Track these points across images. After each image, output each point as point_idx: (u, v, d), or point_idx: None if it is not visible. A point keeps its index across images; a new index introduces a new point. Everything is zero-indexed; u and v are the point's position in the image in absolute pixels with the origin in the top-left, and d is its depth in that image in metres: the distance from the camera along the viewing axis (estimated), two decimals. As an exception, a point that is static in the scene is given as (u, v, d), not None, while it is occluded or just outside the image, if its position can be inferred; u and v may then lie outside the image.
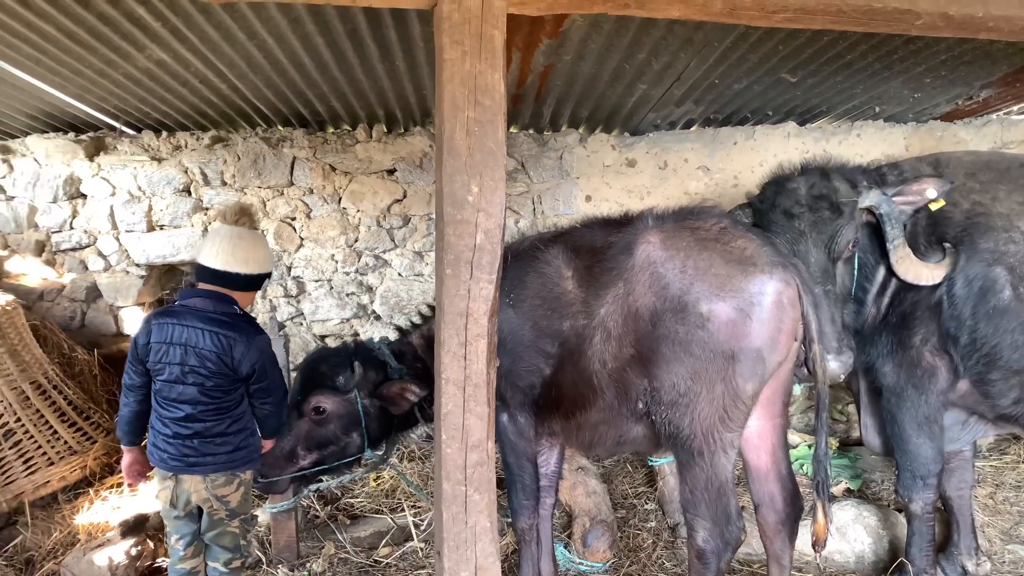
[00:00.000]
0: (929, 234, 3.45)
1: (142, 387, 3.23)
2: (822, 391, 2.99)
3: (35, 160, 5.98)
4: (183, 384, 3.13)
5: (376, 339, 4.04)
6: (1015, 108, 5.94)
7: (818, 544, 3.07)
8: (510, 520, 3.65)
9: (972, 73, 4.87)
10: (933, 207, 3.38)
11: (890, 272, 3.42)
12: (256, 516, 3.62)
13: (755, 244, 2.91)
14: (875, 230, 3.49)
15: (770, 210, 3.45)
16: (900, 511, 4.23)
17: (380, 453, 4.02)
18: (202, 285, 3.26)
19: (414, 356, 3.91)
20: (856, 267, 3.47)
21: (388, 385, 3.74)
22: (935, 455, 3.50)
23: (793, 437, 5.58)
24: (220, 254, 3.22)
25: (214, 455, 3.19)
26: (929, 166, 3.61)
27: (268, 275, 3.43)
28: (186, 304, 3.22)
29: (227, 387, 3.19)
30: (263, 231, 6.09)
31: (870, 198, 3.38)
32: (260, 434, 3.43)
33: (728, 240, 2.91)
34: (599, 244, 3.17)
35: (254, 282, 3.34)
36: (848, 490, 5.02)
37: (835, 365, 3.17)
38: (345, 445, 3.81)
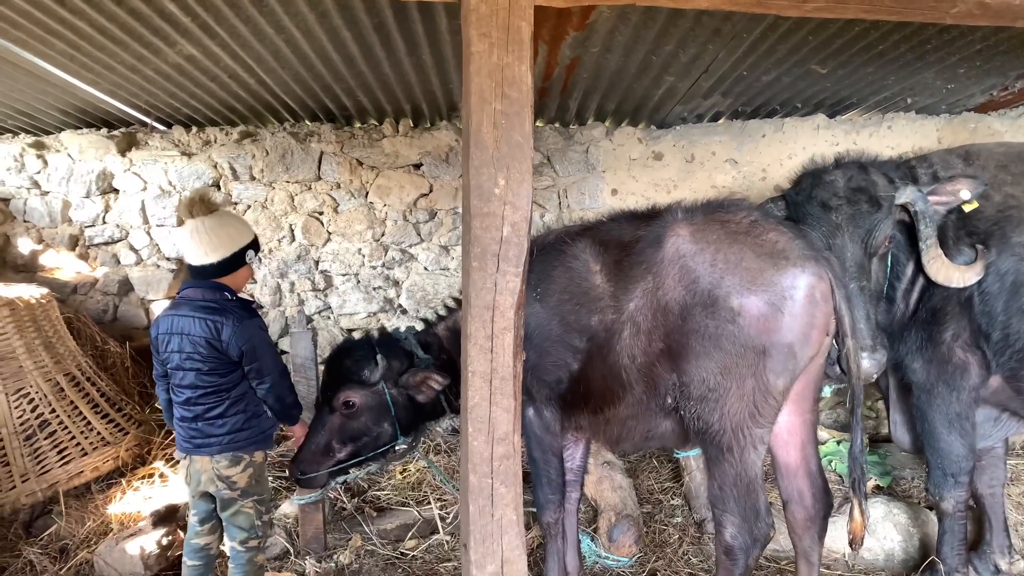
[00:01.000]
0: (959, 228, 3.38)
1: (164, 376, 3.41)
2: (857, 387, 2.94)
3: (69, 156, 6.08)
4: (183, 370, 3.27)
5: (403, 329, 4.05)
6: (1052, 99, 5.80)
7: (855, 542, 3.02)
8: (536, 514, 3.66)
9: (1008, 63, 4.76)
10: (967, 208, 3.30)
11: (920, 269, 3.36)
12: (274, 498, 3.67)
13: (787, 237, 2.87)
14: (906, 227, 3.43)
15: (806, 202, 3.38)
16: (931, 509, 4.16)
17: (410, 441, 4.04)
18: (192, 279, 3.40)
19: (439, 347, 3.91)
20: (889, 264, 3.41)
21: (412, 373, 3.75)
22: (967, 453, 3.43)
23: (822, 433, 5.51)
24: (190, 251, 3.32)
25: (216, 436, 3.30)
26: (959, 158, 3.53)
27: (246, 248, 3.39)
28: (183, 295, 3.36)
29: (222, 371, 3.28)
30: (291, 224, 6.15)
31: (907, 194, 3.31)
32: (276, 419, 3.52)
33: (759, 233, 2.87)
34: (627, 238, 3.15)
35: (232, 262, 3.35)
36: (878, 487, 4.96)
37: (869, 364, 3.11)
38: (377, 435, 3.83)
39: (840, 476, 5.04)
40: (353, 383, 3.73)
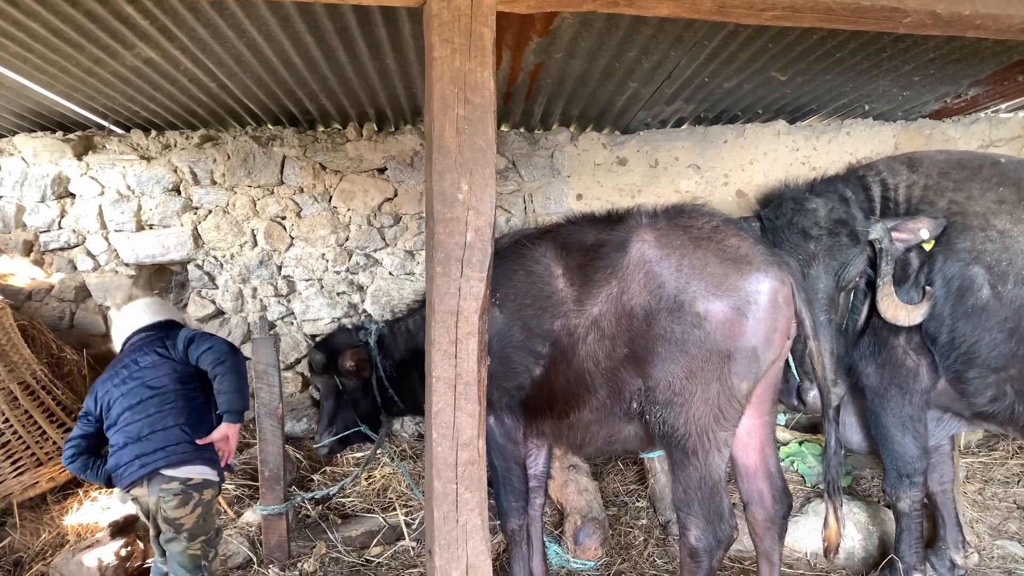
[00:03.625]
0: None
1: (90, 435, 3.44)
2: (826, 390, 2.99)
3: (23, 159, 5.93)
4: (124, 397, 3.27)
5: (378, 321, 4.42)
6: (1003, 106, 5.97)
7: (831, 550, 3.06)
8: (500, 520, 3.65)
9: (960, 71, 4.90)
10: (926, 247, 3.35)
11: (873, 290, 3.42)
12: (220, 531, 3.59)
13: (748, 243, 2.91)
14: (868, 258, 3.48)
15: (786, 227, 3.38)
16: (889, 507, 4.25)
17: (375, 431, 4.42)
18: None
19: (396, 343, 4.19)
20: (852, 298, 3.46)
21: (342, 358, 4.11)
22: (920, 454, 3.52)
23: (784, 434, 5.60)
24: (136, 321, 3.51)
25: (159, 449, 3.18)
26: (903, 165, 3.62)
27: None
28: (127, 351, 3.45)
29: (168, 374, 3.31)
30: (253, 229, 6.07)
31: (876, 231, 3.34)
32: (229, 402, 3.28)
33: (722, 239, 2.91)
34: (590, 242, 3.16)
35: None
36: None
37: (831, 398, 3.14)
38: (341, 421, 4.29)
39: (802, 476, 5.12)
40: (313, 372, 4.36)
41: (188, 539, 3.22)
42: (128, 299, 3.56)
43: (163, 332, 3.43)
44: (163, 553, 3.33)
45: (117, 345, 3.54)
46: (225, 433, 3.27)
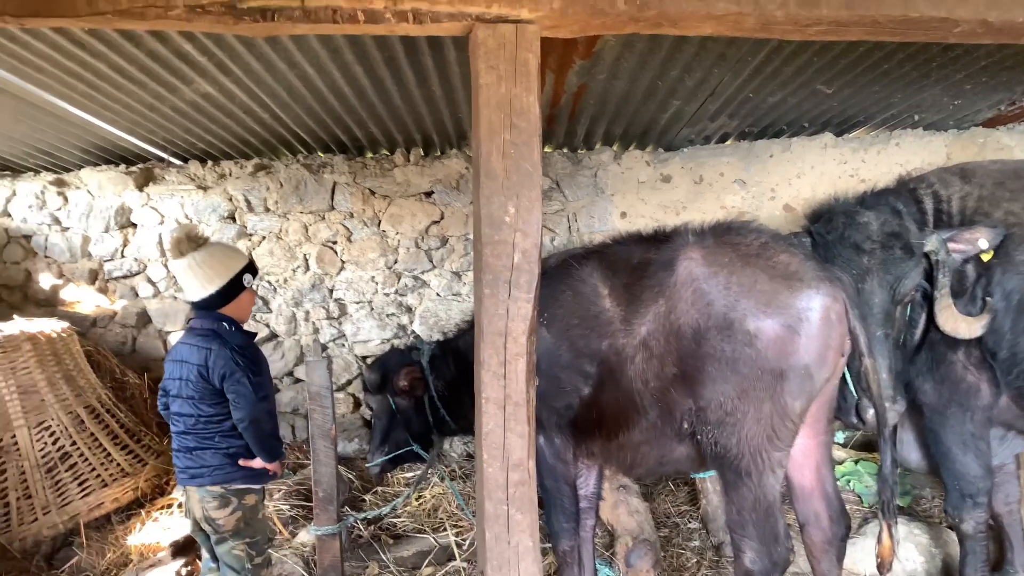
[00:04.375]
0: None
1: (165, 408, 3.45)
2: (881, 408, 2.92)
3: (88, 192, 6.21)
4: (180, 398, 3.30)
5: (424, 343, 4.44)
6: (1061, 112, 5.80)
7: (883, 567, 2.98)
8: (551, 542, 3.65)
9: (1014, 78, 4.77)
10: (984, 258, 3.26)
11: (930, 302, 3.34)
12: (271, 540, 3.62)
13: (799, 259, 2.87)
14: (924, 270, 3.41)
15: (838, 242, 3.32)
16: (952, 528, 4.11)
17: (426, 451, 4.45)
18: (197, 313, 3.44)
19: (446, 363, 4.22)
20: (909, 311, 3.39)
21: (395, 378, 4.16)
22: (984, 473, 3.39)
23: (839, 453, 5.47)
24: (188, 287, 3.33)
25: (208, 467, 3.27)
26: (955, 176, 3.53)
27: (241, 273, 3.36)
28: (190, 326, 3.43)
29: (212, 400, 3.27)
30: (305, 254, 6.22)
31: (932, 243, 3.26)
32: (253, 449, 3.35)
33: (771, 255, 2.87)
34: (637, 261, 3.15)
35: (229, 290, 3.33)
36: (898, 507, 4.90)
37: (890, 415, 3.08)
38: (394, 440, 4.32)
39: (859, 496, 5.00)
40: (367, 391, 4.42)
41: (233, 539, 3.34)
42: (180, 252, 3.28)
43: (208, 338, 3.30)
44: (213, 557, 3.45)
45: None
46: (263, 465, 3.38)
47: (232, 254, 3.45)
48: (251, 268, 3.45)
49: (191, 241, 3.28)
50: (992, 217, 3.30)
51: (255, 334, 3.58)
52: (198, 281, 3.28)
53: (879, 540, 2.96)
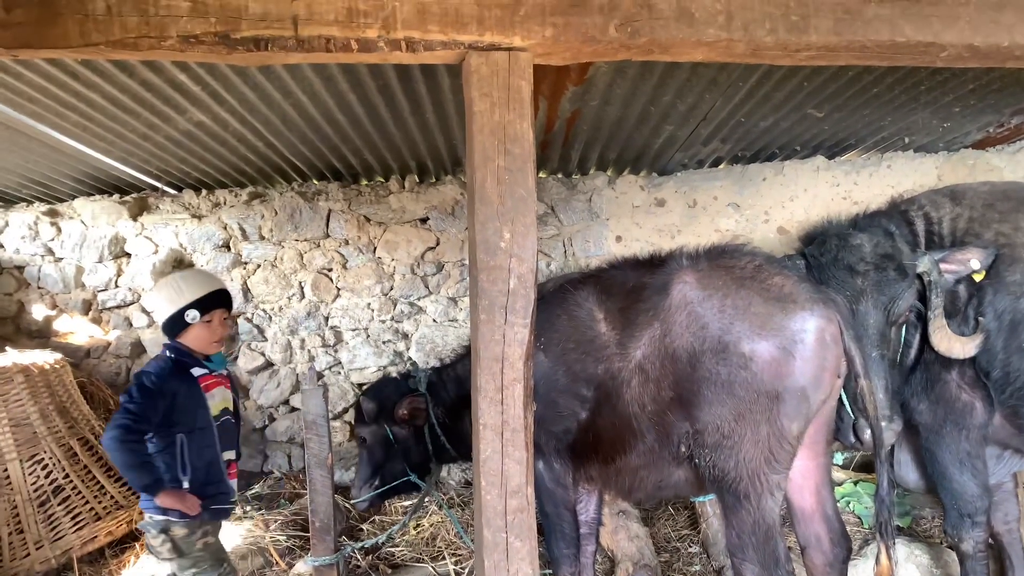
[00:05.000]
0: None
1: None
2: (877, 428, 2.92)
3: (82, 222, 6.20)
4: None
5: (426, 368, 4.41)
6: (1049, 133, 5.86)
7: None
8: (551, 569, 3.61)
9: (1002, 100, 4.83)
10: (976, 279, 3.28)
11: (924, 323, 3.35)
12: (229, 568, 3.53)
13: (792, 281, 2.89)
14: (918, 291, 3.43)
15: (832, 264, 3.35)
16: (952, 548, 4.09)
17: (423, 480, 4.36)
18: None
19: (445, 389, 4.17)
20: (904, 332, 3.40)
21: (397, 406, 4.09)
22: (981, 492, 3.39)
23: (839, 474, 5.45)
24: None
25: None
26: (946, 198, 3.56)
27: (184, 309, 3.36)
28: None
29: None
30: (300, 282, 6.21)
31: (924, 263, 3.30)
32: None
33: (765, 277, 2.89)
34: (631, 285, 3.16)
35: (172, 324, 3.38)
36: (898, 528, 4.88)
37: (886, 435, 3.08)
38: (390, 471, 4.23)
39: (859, 517, 4.96)
40: (360, 422, 4.30)
41: (179, 569, 3.38)
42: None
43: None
44: None
45: None
46: (161, 502, 3.23)
47: (180, 287, 3.43)
48: (201, 303, 3.39)
49: (158, 274, 3.49)
50: (983, 238, 3.33)
51: (180, 364, 3.40)
52: (153, 311, 3.52)
53: (877, 561, 2.94)
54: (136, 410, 3.14)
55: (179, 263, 3.42)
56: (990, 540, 3.64)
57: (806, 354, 2.74)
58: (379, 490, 4.24)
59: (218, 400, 3.51)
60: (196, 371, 3.42)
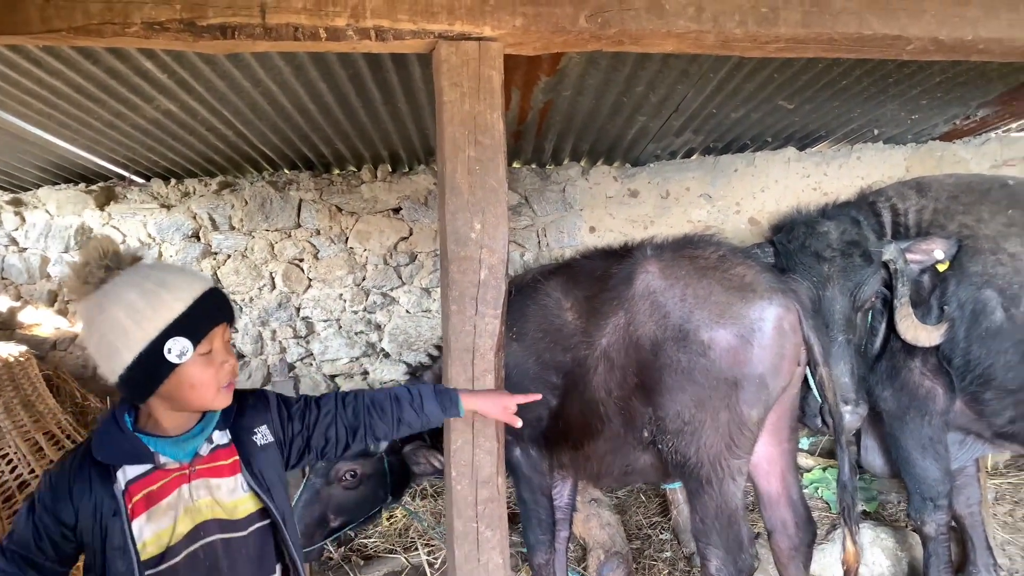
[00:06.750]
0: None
1: None
2: (837, 415, 2.97)
3: (47, 212, 6.08)
4: None
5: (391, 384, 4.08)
6: (1013, 126, 5.97)
7: (850, 573, 3.02)
8: (526, 555, 3.63)
9: (968, 93, 4.92)
10: (940, 269, 3.34)
11: (890, 311, 3.41)
12: None
13: (754, 271, 2.92)
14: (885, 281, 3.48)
15: (799, 251, 3.39)
16: (916, 532, 4.18)
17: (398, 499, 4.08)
18: None
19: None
20: (870, 318, 3.46)
21: (415, 450, 3.74)
22: (943, 476, 3.46)
23: (807, 460, 5.53)
24: None
25: None
26: (912, 190, 3.63)
27: (161, 340, 1.73)
28: None
29: None
30: (271, 273, 6.15)
31: (889, 252, 3.35)
32: None
33: (727, 267, 2.92)
34: (598, 275, 3.19)
35: (141, 374, 1.75)
36: (864, 512, 4.97)
37: (851, 418, 3.14)
38: (372, 501, 3.81)
39: (827, 503, 5.05)
40: (362, 456, 3.74)
41: None
42: None
43: None
44: None
45: None
46: None
47: (147, 301, 1.84)
48: (195, 319, 1.78)
49: (77, 284, 1.83)
50: (947, 229, 3.39)
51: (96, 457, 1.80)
52: (99, 355, 1.89)
53: (843, 546, 3.00)
54: (9, 542, 1.77)
55: (113, 259, 1.80)
56: (953, 523, 3.72)
57: (764, 342, 2.78)
58: (361, 521, 3.93)
59: (177, 516, 1.79)
60: (129, 471, 1.77)
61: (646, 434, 3.00)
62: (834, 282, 3.28)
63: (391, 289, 6.29)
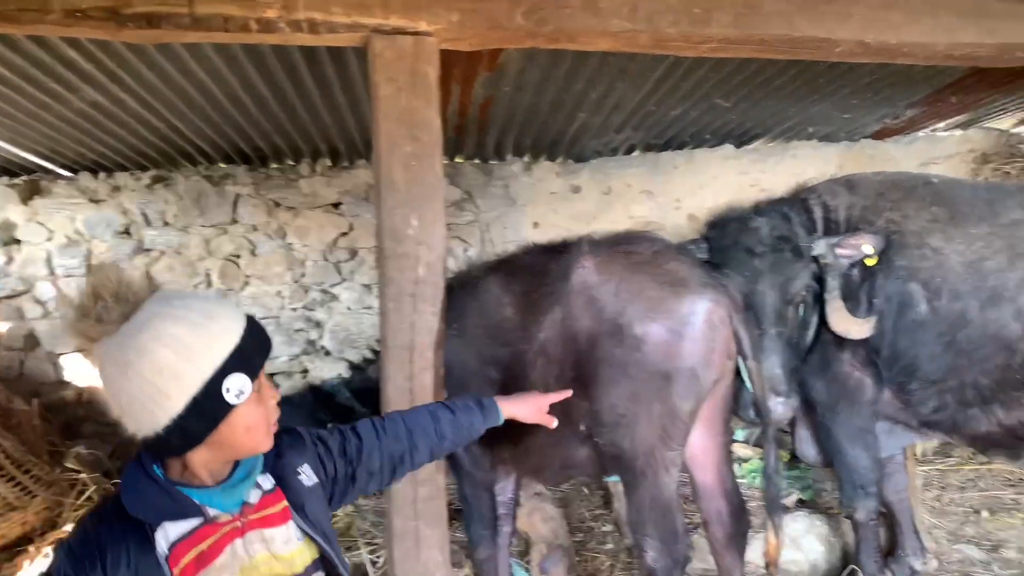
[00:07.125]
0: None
1: None
2: (764, 407, 3.05)
3: (-34, 206, 5.80)
4: None
5: (333, 379, 4.01)
6: (940, 125, 6.22)
7: (771, 564, 3.10)
8: (468, 551, 3.63)
9: (896, 94, 5.09)
10: (868, 263, 3.43)
11: (821, 304, 3.51)
12: None
13: (687, 267, 2.98)
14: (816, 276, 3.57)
15: (731, 247, 3.45)
16: (847, 518, 4.32)
17: None
18: None
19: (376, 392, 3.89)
20: (801, 312, 3.54)
21: None
22: (872, 464, 3.59)
23: (746, 451, 5.66)
24: None
25: None
26: (842, 187, 3.74)
27: (220, 377, 1.51)
28: None
29: None
30: (207, 270, 6.00)
31: (819, 247, 3.44)
32: None
33: (661, 263, 2.97)
34: (536, 270, 3.21)
35: (196, 422, 1.50)
36: (801, 501, 5.11)
37: (783, 409, 3.22)
38: None
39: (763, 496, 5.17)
40: None
41: None
42: None
43: None
44: None
45: None
46: None
47: (197, 334, 1.69)
48: (246, 354, 1.68)
49: (78, 317, 1.60)
50: (875, 225, 3.50)
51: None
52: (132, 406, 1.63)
53: (766, 539, 3.07)
54: None
55: (128, 290, 1.52)
56: (882, 509, 3.86)
57: (695, 336, 2.84)
58: None
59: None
60: (171, 530, 1.50)
61: (583, 428, 3.03)
62: (765, 277, 3.35)
63: (331, 286, 6.20)
